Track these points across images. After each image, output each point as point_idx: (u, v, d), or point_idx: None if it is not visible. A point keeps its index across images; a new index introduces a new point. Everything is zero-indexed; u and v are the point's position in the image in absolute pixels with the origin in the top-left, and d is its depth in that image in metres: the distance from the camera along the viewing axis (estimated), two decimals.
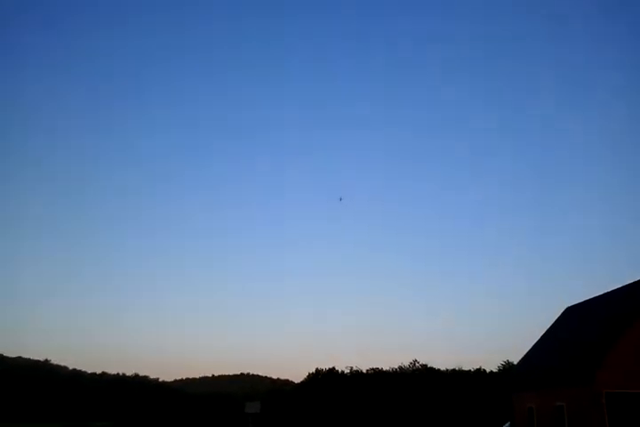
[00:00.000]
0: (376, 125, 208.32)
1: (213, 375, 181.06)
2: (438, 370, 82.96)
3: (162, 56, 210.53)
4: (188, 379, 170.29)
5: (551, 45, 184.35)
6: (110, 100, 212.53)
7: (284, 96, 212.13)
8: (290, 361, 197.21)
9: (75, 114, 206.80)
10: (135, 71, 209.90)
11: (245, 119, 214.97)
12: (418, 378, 79.24)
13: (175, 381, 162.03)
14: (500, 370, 75.50)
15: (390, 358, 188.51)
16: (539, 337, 35.73)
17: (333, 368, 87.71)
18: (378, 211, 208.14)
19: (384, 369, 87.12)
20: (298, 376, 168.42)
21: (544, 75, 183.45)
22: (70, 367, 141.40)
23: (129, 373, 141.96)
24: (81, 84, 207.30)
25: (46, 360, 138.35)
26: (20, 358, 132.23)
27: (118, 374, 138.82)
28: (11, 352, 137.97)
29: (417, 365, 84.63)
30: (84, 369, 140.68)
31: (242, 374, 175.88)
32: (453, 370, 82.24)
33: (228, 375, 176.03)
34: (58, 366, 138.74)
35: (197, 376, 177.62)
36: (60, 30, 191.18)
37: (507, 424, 36.07)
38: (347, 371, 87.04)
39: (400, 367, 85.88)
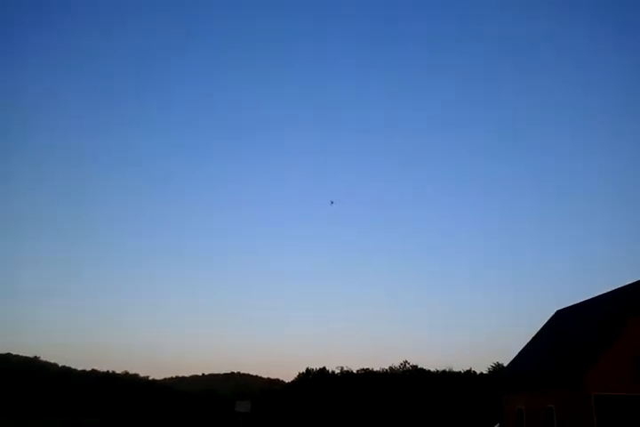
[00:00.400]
0: (374, 127, 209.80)
1: (204, 374, 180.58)
2: (428, 371, 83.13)
3: (162, 56, 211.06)
4: (178, 377, 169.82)
5: (553, 47, 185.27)
6: (111, 99, 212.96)
7: (284, 97, 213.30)
8: (281, 361, 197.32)
9: (75, 114, 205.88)
10: (135, 71, 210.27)
11: (245, 120, 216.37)
12: (408, 379, 79.39)
13: (165, 379, 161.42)
14: (490, 372, 75.81)
15: (381, 359, 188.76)
16: (529, 340, 35.98)
17: (324, 368, 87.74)
18: (371, 214, 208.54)
19: (374, 370, 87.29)
20: (288, 376, 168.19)
21: (545, 78, 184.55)
22: (60, 364, 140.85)
23: (119, 370, 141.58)
24: (81, 84, 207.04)
25: (36, 357, 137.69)
26: (9, 354, 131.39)
27: (108, 371, 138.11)
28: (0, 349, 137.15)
29: (407, 366, 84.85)
30: (73, 366, 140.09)
31: (232, 373, 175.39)
32: (444, 371, 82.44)
33: (219, 374, 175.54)
34: (47, 363, 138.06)
35: (188, 375, 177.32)
36: (60, 30, 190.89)
37: (496, 426, 36.25)
38: (337, 371, 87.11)
39: (390, 368, 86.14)
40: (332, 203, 65.28)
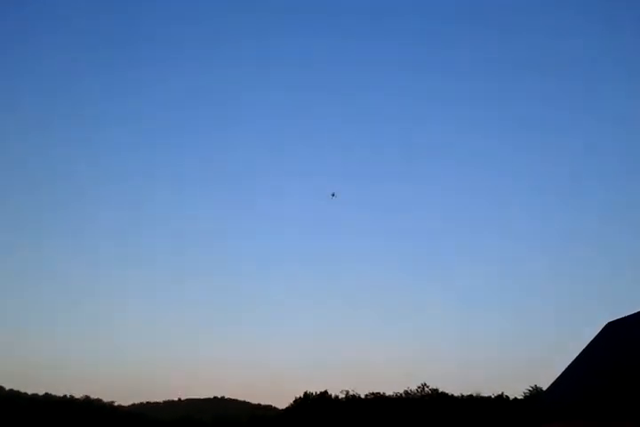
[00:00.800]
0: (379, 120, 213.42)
1: (180, 399, 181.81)
2: (452, 396, 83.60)
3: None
4: (149, 403, 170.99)
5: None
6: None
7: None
8: (273, 384, 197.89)
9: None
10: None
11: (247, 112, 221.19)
12: (427, 405, 79.81)
13: (134, 405, 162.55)
14: (525, 397, 76.38)
15: (394, 382, 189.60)
16: (574, 358, 35.98)
17: (325, 392, 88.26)
18: (389, 221, 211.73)
19: (387, 394, 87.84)
20: (282, 401, 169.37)
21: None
22: (7, 388, 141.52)
23: (78, 395, 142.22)
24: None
25: None
26: None
27: (65, 396, 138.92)
28: None
29: (426, 389, 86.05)
30: (23, 390, 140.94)
31: (215, 397, 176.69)
32: (470, 396, 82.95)
33: (199, 399, 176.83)
34: None
35: (161, 400, 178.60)
36: None
37: None
38: (341, 396, 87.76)
39: (406, 392, 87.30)
40: (332, 195, 65.38)
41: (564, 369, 35.81)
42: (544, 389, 48.68)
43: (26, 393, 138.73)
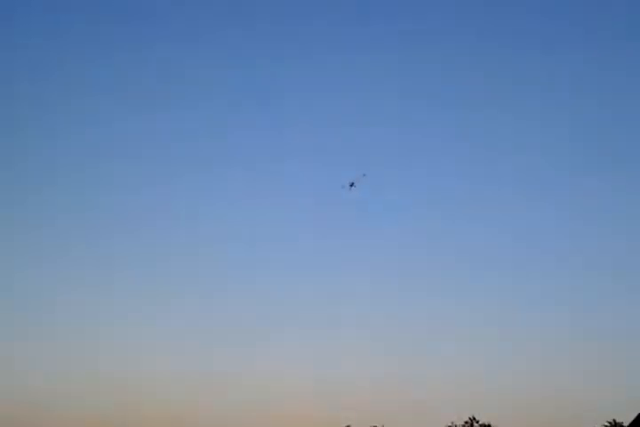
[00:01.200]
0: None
1: None
2: None
3: None
4: None
5: None
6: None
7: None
8: (283, 417, 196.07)
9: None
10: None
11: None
12: None
13: None
14: None
15: (435, 416, 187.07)
16: None
17: None
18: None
19: None
20: None
21: None
22: None
23: None
24: None
25: None
26: None
27: None
28: None
29: (475, 425, 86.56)
30: None
31: None
32: None
33: None
34: None
35: None
36: None
37: None
38: None
39: None
40: (351, 185, 62.51)
41: None
42: (625, 425, 46.25)
43: None
